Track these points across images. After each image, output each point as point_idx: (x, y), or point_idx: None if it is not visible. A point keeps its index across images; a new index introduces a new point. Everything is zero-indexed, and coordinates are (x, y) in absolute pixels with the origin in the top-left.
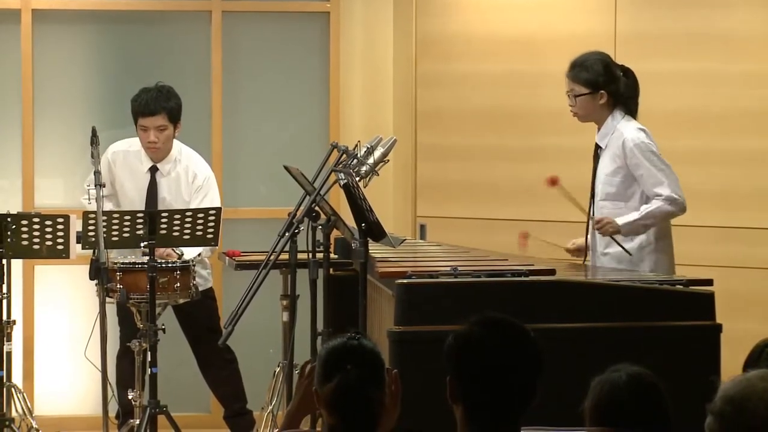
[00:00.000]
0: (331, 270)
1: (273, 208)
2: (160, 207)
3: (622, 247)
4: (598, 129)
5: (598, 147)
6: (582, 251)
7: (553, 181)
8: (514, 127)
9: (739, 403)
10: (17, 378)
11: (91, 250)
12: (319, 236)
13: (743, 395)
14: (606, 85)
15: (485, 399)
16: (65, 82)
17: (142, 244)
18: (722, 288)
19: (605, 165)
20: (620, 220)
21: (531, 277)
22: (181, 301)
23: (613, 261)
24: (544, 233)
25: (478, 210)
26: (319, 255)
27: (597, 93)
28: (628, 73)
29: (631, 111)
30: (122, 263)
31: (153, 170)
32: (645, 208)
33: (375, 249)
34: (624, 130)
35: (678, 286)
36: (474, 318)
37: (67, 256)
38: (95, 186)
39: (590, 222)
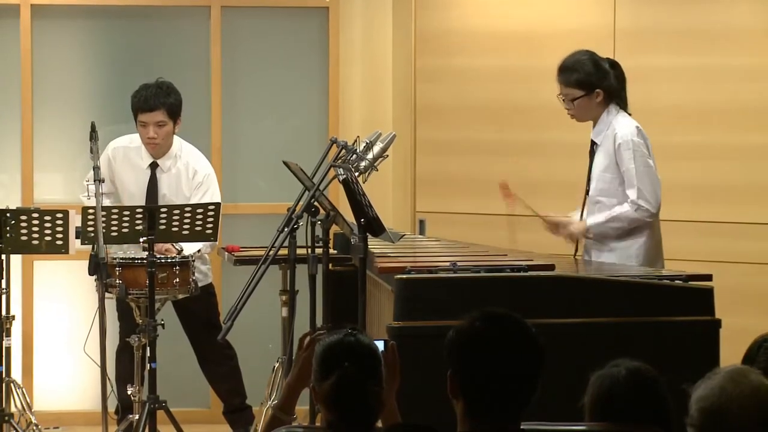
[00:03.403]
0: (330, 265)
1: (272, 204)
2: (161, 203)
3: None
4: (594, 126)
5: (593, 143)
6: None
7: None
8: (513, 122)
9: (718, 415)
10: (16, 373)
11: (91, 246)
12: (319, 231)
13: (720, 406)
14: (600, 82)
15: (486, 394)
16: (64, 78)
17: (141, 240)
18: (720, 283)
19: (600, 161)
20: (589, 221)
21: (530, 272)
22: (181, 296)
23: (597, 244)
24: (541, 229)
25: (477, 205)
26: (319, 250)
27: (593, 93)
28: (615, 65)
29: (623, 103)
30: (121, 258)
31: (153, 166)
32: (613, 211)
33: (374, 244)
34: (617, 126)
35: (677, 282)
36: (475, 313)
37: (67, 252)
38: (94, 181)
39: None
